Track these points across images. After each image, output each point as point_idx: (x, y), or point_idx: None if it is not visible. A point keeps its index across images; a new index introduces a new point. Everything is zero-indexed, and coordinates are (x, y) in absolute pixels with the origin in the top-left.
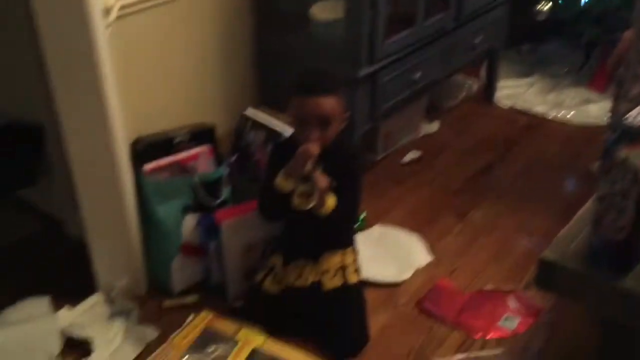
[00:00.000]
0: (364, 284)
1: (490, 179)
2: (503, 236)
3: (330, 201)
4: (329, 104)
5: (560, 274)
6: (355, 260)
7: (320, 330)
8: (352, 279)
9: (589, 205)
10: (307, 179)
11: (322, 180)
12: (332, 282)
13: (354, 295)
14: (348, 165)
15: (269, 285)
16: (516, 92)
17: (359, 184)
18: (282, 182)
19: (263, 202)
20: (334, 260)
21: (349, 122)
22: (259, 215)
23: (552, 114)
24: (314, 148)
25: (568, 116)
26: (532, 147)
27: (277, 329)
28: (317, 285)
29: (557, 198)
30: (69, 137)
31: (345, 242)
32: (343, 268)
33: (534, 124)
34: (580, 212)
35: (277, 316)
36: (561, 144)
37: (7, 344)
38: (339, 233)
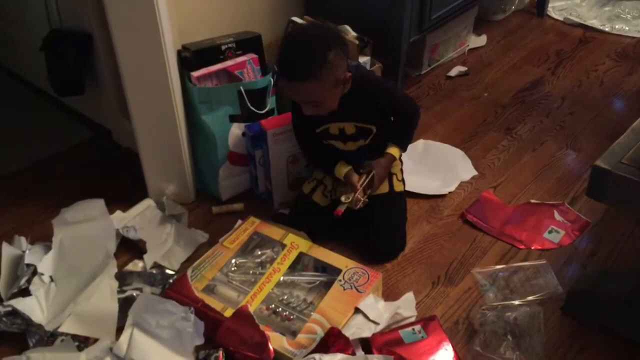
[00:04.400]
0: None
1: (538, 95)
2: (549, 152)
3: (394, 151)
4: (311, 89)
5: (614, 182)
6: (401, 169)
7: (364, 235)
8: (398, 187)
9: None
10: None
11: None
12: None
13: (398, 202)
14: (377, 94)
15: (319, 198)
16: (569, 4)
17: (397, 94)
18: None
19: (306, 153)
20: None
21: (360, 75)
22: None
23: (606, 28)
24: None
25: (624, 30)
26: (584, 63)
27: (322, 236)
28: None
29: (607, 115)
30: (119, 44)
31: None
32: (390, 175)
33: (587, 38)
34: (635, 123)
35: (324, 225)
36: (615, 59)
37: (67, 241)
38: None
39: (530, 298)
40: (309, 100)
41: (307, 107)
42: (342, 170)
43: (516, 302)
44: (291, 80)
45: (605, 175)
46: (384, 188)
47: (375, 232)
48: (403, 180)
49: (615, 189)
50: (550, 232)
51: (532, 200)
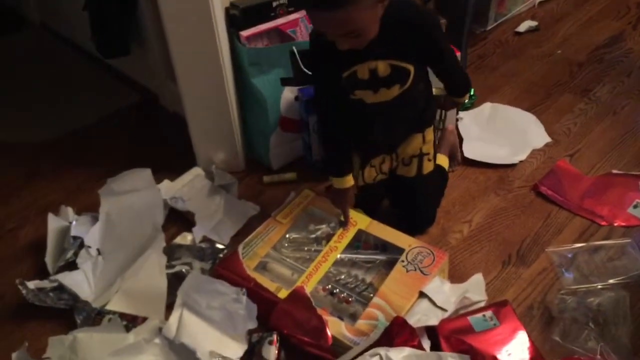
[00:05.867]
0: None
1: (618, 52)
2: (632, 116)
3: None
4: (349, 16)
5: None
6: (434, 144)
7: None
8: (428, 168)
9: None
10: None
11: None
12: (404, 170)
13: (427, 183)
14: (422, 20)
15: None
16: None
17: (444, 35)
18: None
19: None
20: (412, 146)
21: None
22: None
23: None
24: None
25: None
26: None
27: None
28: (394, 170)
29: None
30: (163, 2)
31: (428, 120)
32: (420, 156)
33: None
34: None
35: (363, 202)
36: None
37: (114, 213)
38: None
39: (612, 281)
40: (346, 30)
41: (343, 40)
42: (346, 183)
43: (598, 286)
44: (324, 10)
45: None
46: (411, 171)
47: (404, 212)
48: (435, 156)
49: None
50: (635, 206)
51: (614, 171)
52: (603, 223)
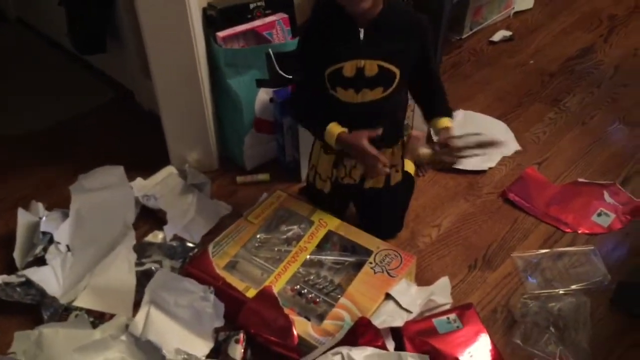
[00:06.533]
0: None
1: (589, 63)
2: (600, 126)
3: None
4: None
5: None
6: (402, 154)
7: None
8: (395, 179)
9: None
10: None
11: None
12: (372, 182)
13: (394, 194)
14: (416, 23)
15: (320, 185)
16: None
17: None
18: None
19: (298, 105)
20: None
21: None
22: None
23: None
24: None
25: None
26: None
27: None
28: (362, 181)
29: None
30: (140, 2)
31: (398, 135)
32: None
33: None
34: None
35: (330, 205)
36: None
37: (84, 210)
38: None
39: (574, 287)
40: None
41: None
42: (335, 131)
43: (560, 291)
44: None
45: None
46: (379, 183)
47: (370, 223)
48: (402, 165)
49: None
50: (599, 214)
51: (580, 179)
52: (567, 230)
